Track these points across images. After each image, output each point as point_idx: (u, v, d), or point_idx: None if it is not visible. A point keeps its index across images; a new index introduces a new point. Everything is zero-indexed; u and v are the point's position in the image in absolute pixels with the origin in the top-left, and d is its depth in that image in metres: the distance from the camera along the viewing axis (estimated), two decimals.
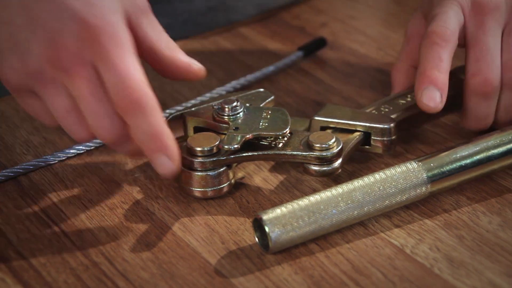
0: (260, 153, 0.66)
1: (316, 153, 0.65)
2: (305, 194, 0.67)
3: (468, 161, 0.65)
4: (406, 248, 0.62)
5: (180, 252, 0.62)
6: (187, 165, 0.66)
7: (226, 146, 0.65)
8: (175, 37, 0.66)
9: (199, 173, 0.65)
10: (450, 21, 0.70)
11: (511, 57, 0.70)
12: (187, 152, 0.66)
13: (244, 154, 0.66)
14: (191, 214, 0.65)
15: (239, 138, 0.65)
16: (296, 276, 0.60)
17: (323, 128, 0.70)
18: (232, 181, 0.67)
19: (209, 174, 0.66)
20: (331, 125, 0.70)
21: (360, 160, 0.70)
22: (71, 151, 0.71)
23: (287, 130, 0.66)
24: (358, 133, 0.69)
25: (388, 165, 0.69)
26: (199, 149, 0.65)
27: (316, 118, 0.70)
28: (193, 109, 0.70)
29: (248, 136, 0.66)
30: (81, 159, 0.71)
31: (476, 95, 0.70)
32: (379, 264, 0.60)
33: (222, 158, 0.65)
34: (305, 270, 0.60)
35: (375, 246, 0.62)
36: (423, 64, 0.69)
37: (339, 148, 0.66)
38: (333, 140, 0.65)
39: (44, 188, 0.68)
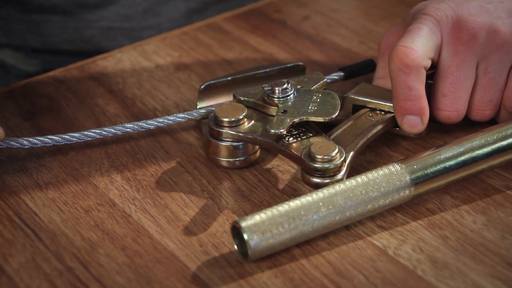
0: (265, 140, 0.66)
1: (318, 165, 0.63)
2: (285, 193, 0.65)
3: (452, 162, 0.63)
4: (389, 249, 0.60)
5: (157, 256, 0.60)
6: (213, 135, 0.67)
7: (272, 130, 0.64)
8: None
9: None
10: (420, 40, 0.66)
11: (483, 99, 0.69)
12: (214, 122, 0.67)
13: (249, 136, 0.66)
14: (168, 216, 0.64)
15: (286, 122, 0.65)
16: (276, 280, 0.58)
17: (356, 107, 0.69)
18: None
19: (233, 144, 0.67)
20: (364, 104, 0.69)
21: None
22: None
23: (335, 115, 0.66)
24: (391, 115, 0.69)
25: (371, 163, 0.68)
26: (226, 119, 0.66)
27: (350, 96, 0.70)
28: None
29: (295, 120, 0.65)
30: (56, 160, 0.69)
31: (441, 120, 0.70)
32: (361, 266, 0.59)
33: (232, 132, 0.66)
34: (285, 273, 0.59)
35: (357, 248, 0.61)
36: (394, 92, 0.68)
37: (342, 159, 0.63)
38: (336, 151, 0.63)
39: (18, 190, 0.66)
